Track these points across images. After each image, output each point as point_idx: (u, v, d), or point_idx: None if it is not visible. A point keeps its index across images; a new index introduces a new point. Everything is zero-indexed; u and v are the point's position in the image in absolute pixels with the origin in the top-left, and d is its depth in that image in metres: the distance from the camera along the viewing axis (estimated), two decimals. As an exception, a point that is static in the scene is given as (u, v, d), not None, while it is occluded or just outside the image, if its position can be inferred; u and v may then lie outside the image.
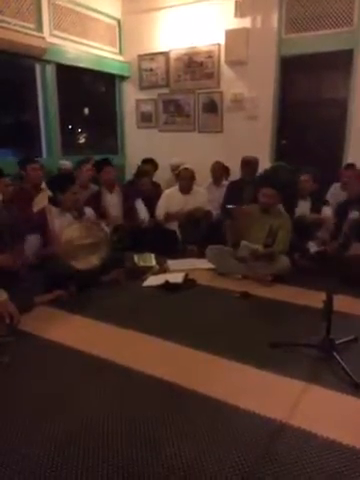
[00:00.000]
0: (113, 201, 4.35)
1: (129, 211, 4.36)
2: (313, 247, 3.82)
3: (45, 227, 3.39)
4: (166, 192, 4.76)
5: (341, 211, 3.70)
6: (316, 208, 4.09)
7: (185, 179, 4.60)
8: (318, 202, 4.12)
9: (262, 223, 3.64)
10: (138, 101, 6.24)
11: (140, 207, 4.49)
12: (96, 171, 4.49)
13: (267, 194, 3.65)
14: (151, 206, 4.65)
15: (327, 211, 4.00)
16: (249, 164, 4.81)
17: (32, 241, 3.32)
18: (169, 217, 4.56)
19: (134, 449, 1.66)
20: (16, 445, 1.69)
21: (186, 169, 4.63)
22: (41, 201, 3.90)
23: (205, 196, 4.73)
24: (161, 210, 4.60)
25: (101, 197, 4.31)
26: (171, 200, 4.62)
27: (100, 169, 4.39)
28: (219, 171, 5.19)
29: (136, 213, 4.42)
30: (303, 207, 4.16)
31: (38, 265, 3.22)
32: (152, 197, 4.76)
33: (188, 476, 1.53)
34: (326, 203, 4.13)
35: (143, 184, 4.86)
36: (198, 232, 4.35)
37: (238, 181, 4.84)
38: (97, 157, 5.08)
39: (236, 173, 5.16)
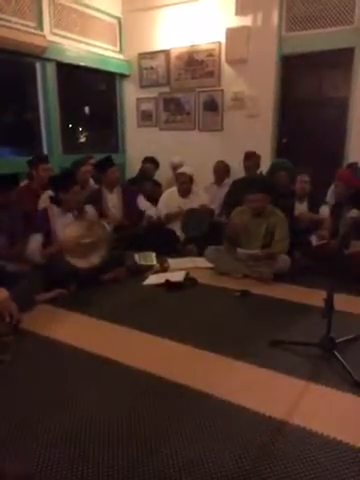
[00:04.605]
0: (113, 200, 4.35)
1: (129, 210, 4.36)
2: (315, 240, 3.84)
3: (48, 226, 3.39)
4: (165, 193, 4.75)
5: (337, 211, 3.71)
6: (314, 209, 4.09)
7: (183, 183, 4.57)
8: (315, 203, 4.12)
9: (257, 226, 3.67)
10: (138, 100, 6.23)
11: (144, 203, 4.47)
12: (99, 170, 4.44)
13: (256, 199, 3.63)
14: (153, 205, 4.65)
15: (325, 210, 4.00)
16: (251, 157, 4.82)
17: (36, 240, 3.33)
18: (168, 218, 4.55)
19: (134, 447, 1.66)
20: (16, 443, 1.70)
21: (183, 174, 4.60)
22: (45, 200, 3.91)
23: (204, 197, 4.72)
24: (161, 211, 4.59)
25: (101, 196, 4.31)
26: (169, 202, 4.61)
27: (104, 169, 4.34)
28: (222, 171, 5.19)
29: (137, 212, 4.41)
30: (300, 209, 4.16)
31: (43, 265, 3.23)
32: (153, 197, 4.76)
33: (188, 474, 1.53)
34: (324, 203, 4.13)
35: (145, 188, 4.86)
36: (200, 228, 4.34)
37: (241, 179, 4.84)
38: (98, 156, 5.08)
39: (236, 172, 5.17)
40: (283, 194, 4.17)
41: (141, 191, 4.69)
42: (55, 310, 3.00)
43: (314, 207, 4.11)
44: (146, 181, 5.11)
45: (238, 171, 5.09)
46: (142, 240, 4.12)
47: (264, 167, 4.90)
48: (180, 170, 4.73)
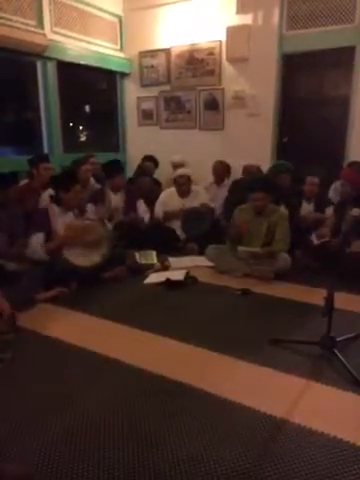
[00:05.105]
0: (116, 201, 4.36)
1: (130, 209, 4.36)
2: (315, 239, 3.84)
3: (49, 226, 3.39)
4: (165, 192, 4.74)
5: (340, 210, 3.70)
6: (321, 210, 4.09)
7: (182, 185, 4.58)
8: (322, 204, 4.12)
9: (258, 225, 3.68)
10: (139, 98, 6.23)
11: (142, 208, 4.48)
12: (107, 174, 4.43)
13: (257, 198, 3.65)
14: (152, 204, 4.64)
15: (331, 211, 4.00)
16: (250, 172, 4.80)
17: (38, 238, 3.32)
18: (168, 216, 4.55)
19: (134, 446, 1.66)
20: (16, 443, 1.69)
21: (181, 176, 4.60)
22: (45, 199, 3.91)
23: (205, 196, 4.71)
24: (159, 210, 4.59)
25: (105, 196, 4.31)
26: (169, 201, 4.61)
27: (110, 172, 4.35)
28: (221, 170, 5.17)
29: (137, 212, 4.41)
30: (307, 209, 4.16)
31: (44, 263, 3.23)
32: (153, 195, 4.75)
33: (188, 472, 1.53)
34: (330, 203, 4.13)
35: (143, 183, 4.84)
36: (200, 227, 4.34)
37: (242, 179, 4.82)
38: (99, 154, 5.07)
39: (237, 172, 5.16)
40: (284, 194, 4.17)
41: (140, 188, 4.68)
42: (55, 309, 3.00)
43: (320, 208, 4.11)
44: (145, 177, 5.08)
45: (239, 171, 5.08)
46: (143, 239, 4.12)
47: (265, 169, 4.88)
48: (177, 173, 4.71)
